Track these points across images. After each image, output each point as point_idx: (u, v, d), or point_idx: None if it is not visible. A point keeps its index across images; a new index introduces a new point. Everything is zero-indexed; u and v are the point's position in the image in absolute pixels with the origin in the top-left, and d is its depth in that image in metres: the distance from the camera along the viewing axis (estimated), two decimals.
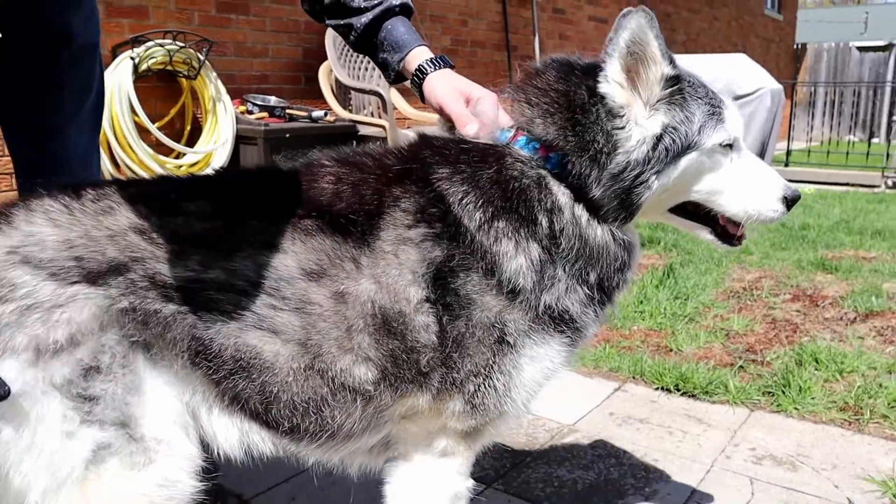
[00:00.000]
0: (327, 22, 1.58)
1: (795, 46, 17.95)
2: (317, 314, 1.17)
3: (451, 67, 1.52)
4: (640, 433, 2.44)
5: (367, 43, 1.55)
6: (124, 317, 1.10)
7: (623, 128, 1.25)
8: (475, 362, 1.22)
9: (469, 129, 1.36)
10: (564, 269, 1.27)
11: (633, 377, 2.88)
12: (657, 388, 2.78)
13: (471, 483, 1.41)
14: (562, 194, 1.28)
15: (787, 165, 9.79)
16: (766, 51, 15.81)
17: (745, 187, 1.35)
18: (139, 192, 1.19)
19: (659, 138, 1.26)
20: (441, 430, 1.32)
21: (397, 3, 1.53)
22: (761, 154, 8.26)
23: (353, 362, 1.19)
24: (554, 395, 2.68)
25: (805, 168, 9.73)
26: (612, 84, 1.25)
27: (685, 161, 1.29)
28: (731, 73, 8.04)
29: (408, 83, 1.57)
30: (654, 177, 1.26)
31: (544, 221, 1.26)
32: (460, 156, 1.28)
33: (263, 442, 1.26)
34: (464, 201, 1.23)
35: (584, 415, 2.58)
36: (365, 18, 1.52)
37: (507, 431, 1.56)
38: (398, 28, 1.52)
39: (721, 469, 2.20)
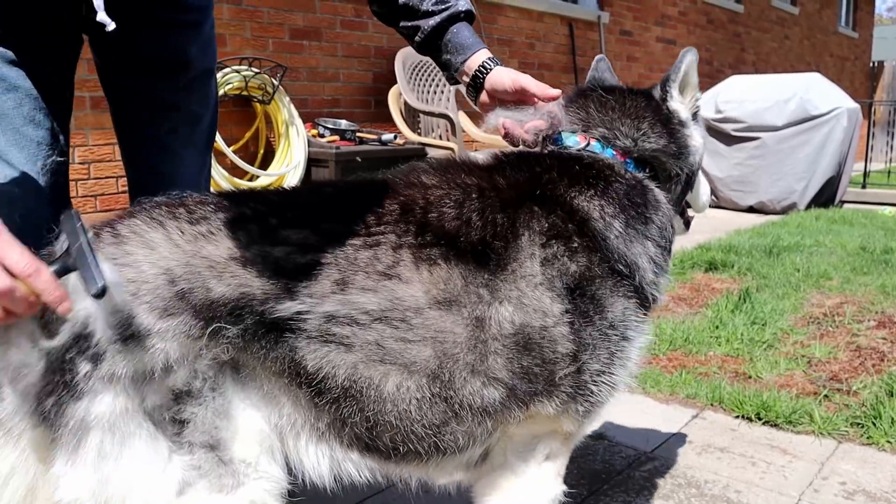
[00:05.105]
0: (400, 24, 1.66)
1: (872, 64, 17.41)
2: (450, 342, 1.16)
3: None
4: (721, 462, 2.35)
5: (432, 45, 1.65)
6: (219, 342, 1.07)
7: (690, 136, 1.51)
8: (602, 362, 1.29)
9: (553, 92, 1.48)
10: (664, 259, 1.43)
11: (712, 404, 2.79)
12: (737, 417, 2.68)
13: (565, 487, 1.42)
14: (658, 193, 1.45)
15: (864, 187, 9.36)
16: (841, 69, 15.38)
17: (703, 186, 1.66)
18: (238, 216, 1.16)
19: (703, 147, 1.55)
20: (550, 434, 1.34)
21: (463, 8, 1.63)
22: (838, 176, 8.00)
23: (483, 384, 1.19)
24: (630, 422, 2.64)
25: (885, 190, 9.35)
26: (677, 102, 1.51)
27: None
28: (805, 92, 7.84)
29: (461, 87, 1.66)
30: (697, 177, 1.57)
31: (655, 219, 1.41)
32: (580, 170, 1.38)
33: (359, 467, 1.23)
34: (603, 213, 1.34)
35: (661, 442, 2.51)
36: (433, 21, 1.61)
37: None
38: (463, 32, 1.62)
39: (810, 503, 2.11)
